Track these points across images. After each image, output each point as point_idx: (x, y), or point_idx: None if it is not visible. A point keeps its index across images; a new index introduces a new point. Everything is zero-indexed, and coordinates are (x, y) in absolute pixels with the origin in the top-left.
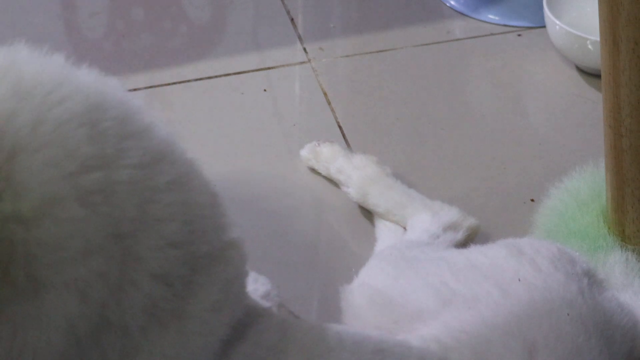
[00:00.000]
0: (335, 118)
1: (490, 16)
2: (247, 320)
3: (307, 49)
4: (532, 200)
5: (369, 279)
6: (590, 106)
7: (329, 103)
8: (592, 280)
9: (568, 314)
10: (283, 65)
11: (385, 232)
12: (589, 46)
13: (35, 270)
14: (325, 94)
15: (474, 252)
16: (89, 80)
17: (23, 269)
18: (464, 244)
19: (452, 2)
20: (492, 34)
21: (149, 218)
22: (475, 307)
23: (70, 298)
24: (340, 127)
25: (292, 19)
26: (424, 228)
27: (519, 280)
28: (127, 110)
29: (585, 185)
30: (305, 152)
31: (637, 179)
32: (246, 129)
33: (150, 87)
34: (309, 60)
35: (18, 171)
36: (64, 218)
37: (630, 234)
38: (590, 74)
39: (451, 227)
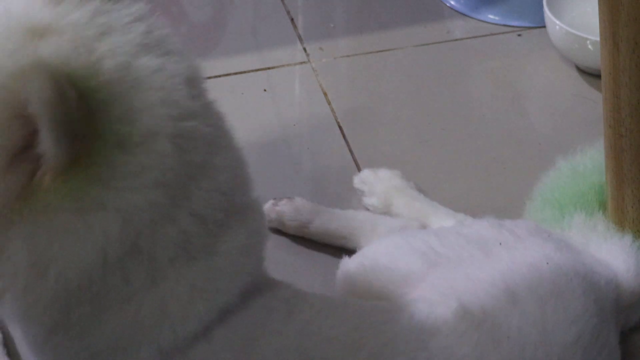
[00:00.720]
0: (335, 118)
1: (490, 16)
2: (264, 282)
3: (307, 49)
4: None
5: (364, 251)
6: (590, 106)
7: (329, 103)
8: (569, 244)
9: (547, 263)
10: (283, 65)
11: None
12: (589, 46)
13: (103, 191)
14: (325, 94)
15: (459, 225)
16: None
17: (95, 188)
18: None
19: (452, 2)
20: (492, 34)
21: (211, 166)
22: (461, 268)
23: (115, 221)
24: (340, 127)
25: (292, 19)
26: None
27: (500, 244)
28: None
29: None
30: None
31: (637, 179)
32: (246, 129)
33: None
34: (309, 60)
35: (138, 101)
36: (154, 150)
37: (631, 233)
38: (590, 74)
39: None
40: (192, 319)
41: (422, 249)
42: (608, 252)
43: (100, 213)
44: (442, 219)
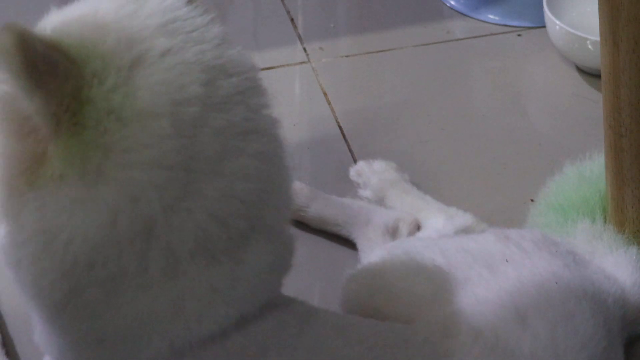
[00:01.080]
0: (335, 118)
1: (490, 16)
2: (279, 299)
3: (307, 49)
4: (532, 200)
5: (368, 266)
6: (590, 106)
7: (329, 103)
8: (577, 258)
9: (556, 283)
10: (283, 65)
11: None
12: (589, 46)
13: (103, 160)
14: (325, 94)
15: (465, 239)
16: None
17: (98, 158)
18: None
19: (452, 2)
20: (492, 34)
21: (224, 168)
22: (468, 289)
23: (119, 195)
24: (340, 127)
25: (292, 19)
26: (437, 228)
27: (507, 261)
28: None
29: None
30: None
31: (637, 179)
32: None
33: None
34: (309, 60)
35: (139, 77)
36: (151, 128)
37: (630, 234)
38: (590, 74)
39: (463, 231)
40: (209, 320)
41: (429, 269)
42: (614, 264)
43: (103, 185)
44: (434, 213)
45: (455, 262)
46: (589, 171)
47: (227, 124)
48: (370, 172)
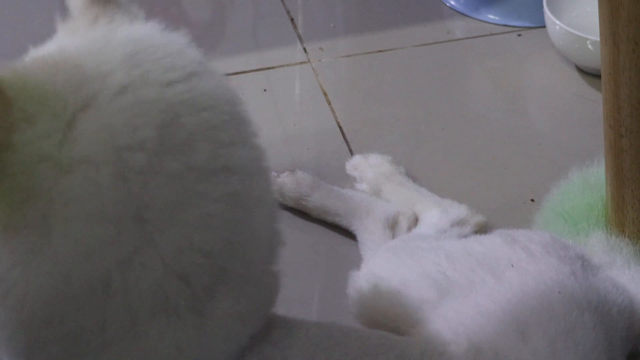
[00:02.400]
0: (335, 118)
1: (490, 16)
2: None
3: (307, 49)
4: (532, 200)
5: (374, 267)
6: (590, 106)
7: (329, 103)
8: (585, 264)
9: (559, 292)
10: (283, 65)
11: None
12: (589, 46)
13: (48, 211)
14: (325, 94)
15: (471, 241)
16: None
17: (39, 207)
18: None
19: (452, 2)
20: (492, 34)
21: (182, 217)
22: (472, 296)
23: (72, 250)
24: (340, 127)
25: (292, 19)
26: (433, 223)
27: (512, 266)
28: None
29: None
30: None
31: (637, 179)
32: None
33: None
34: (309, 60)
35: (82, 122)
36: (92, 179)
37: (630, 234)
38: (590, 74)
39: (459, 223)
40: None
41: (433, 274)
42: (630, 279)
43: (53, 237)
44: (429, 206)
45: (460, 266)
46: (594, 178)
47: (184, 167)
48: (366, 166)
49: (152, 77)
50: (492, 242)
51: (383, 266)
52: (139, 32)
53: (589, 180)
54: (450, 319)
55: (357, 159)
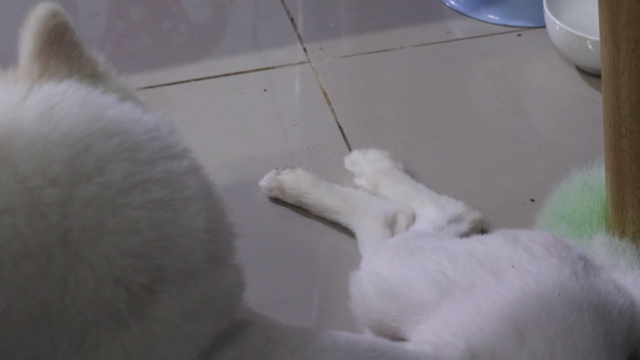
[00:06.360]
0: (335, 118)
1: (490, 16)
2: (233, 329)
3: (307, 49)
4: (532, 200)
5: (376, 266)
6: (590, 106)
7: (329, 103)
8: (587, 265)
9: (559, 294)
10: (283, 65)
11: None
12: (589, 46)
13: None
14: (325, 94)
15: (473, 241)
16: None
17: None
18: (467, 235)
19: (452, 2)
20: (492, 34)
21: (104, 230)
22: (472, 297)
23: (6, 289)
24: (340, 127)
25: (292, 19)
26: (430, 220)
27: (513, 267)
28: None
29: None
30: (265, 183)
31: (637, 179)
32: (246, 129)
33: (150, 87)
34: (309, 60)
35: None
36: (9, 224)
37: (630, 234)
38: (590, 74)
39: (456, 219)
40: None
41: (435, 274)
42: (633, 282)
43: None
44: (425, 203)
45: (462, 267)
46: (594, 179)
47: (100, 187)
48: (365, 161)
49: (63, 123)
50: (494, 242)
51: (385, 266)
52: (58, 90)
53: (590, 183)
54: (449, 320)
55: (355, 155)
